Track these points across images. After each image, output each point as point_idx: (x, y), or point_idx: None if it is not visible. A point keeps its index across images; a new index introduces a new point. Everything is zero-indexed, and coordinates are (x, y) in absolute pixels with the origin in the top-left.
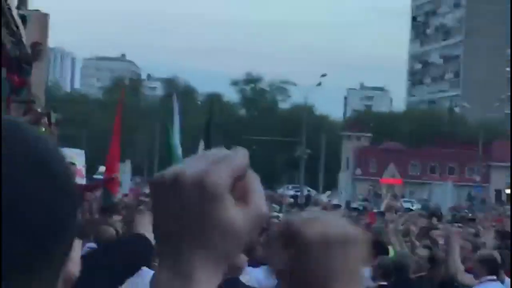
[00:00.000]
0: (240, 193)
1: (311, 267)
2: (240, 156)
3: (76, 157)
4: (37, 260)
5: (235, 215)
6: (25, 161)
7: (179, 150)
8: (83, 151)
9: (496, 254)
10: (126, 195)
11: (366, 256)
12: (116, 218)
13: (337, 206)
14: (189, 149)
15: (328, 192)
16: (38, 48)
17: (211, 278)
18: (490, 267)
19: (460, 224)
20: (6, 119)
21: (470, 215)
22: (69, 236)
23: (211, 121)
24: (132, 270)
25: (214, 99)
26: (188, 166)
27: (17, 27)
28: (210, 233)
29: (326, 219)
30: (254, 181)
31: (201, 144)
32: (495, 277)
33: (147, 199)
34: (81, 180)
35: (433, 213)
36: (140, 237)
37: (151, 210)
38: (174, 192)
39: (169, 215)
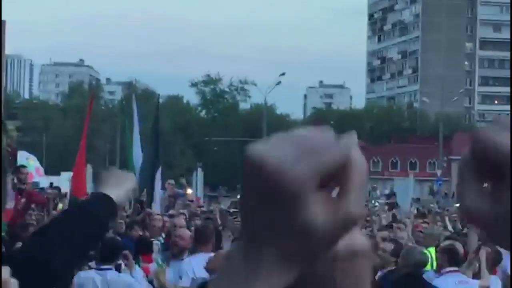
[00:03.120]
0: (335, 185)
1: (316, 277)
2: (338, 148)
3: (31, 160)
4: None
5: (319, 215)
6: None
7: (138, 155)
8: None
9: (458, 246)
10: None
11: (371, 271)
12: None
13: None
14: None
15: None
16: None
17: (280, 273)
18: (451, 258)
19: (426, 219)
20: None
21: (436, 208)
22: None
23: (157, 125)
24: (98, 233)
25: (156, 101)
26: (271, 150)
27: None
28: (289, 230)
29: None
30: (355, 175)
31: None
32: (456, 268)
33: None
34: (42, 179)
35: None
36: (102, 197)
37: (243, 185)
38: (258, 174)
39: (254, 196)
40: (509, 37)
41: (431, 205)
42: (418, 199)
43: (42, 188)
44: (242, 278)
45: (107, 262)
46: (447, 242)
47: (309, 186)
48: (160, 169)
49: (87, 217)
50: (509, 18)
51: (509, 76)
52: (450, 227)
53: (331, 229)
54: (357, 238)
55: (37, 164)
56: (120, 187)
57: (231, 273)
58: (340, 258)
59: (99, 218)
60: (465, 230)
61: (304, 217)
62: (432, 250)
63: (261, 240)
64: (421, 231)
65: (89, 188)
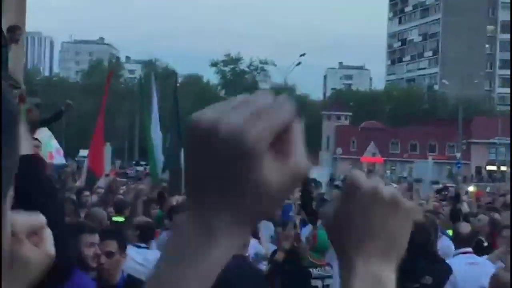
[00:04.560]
0: (280, 145)
1: (355, 219)
2: (285, 108)
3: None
4: None
5: (272, 174)
6: None
7: (156, 133)
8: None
9: (467, 226)
10: (107, 175)
11: (410, 230)
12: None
13: (318, 184)
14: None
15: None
16: (16, 32)
17: (237, 233)
18: (462, 240)
19: (444, 202)
20: None
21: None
22: (12, 146)
23: (176, 105)
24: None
25: (187, 81)
26: (225, 115)
27: None
28: (242, 192)
29: (383, 182)
30: (297, 134)
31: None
32: (468, 249)
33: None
34: (61, 159)
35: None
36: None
37: (186, 155)
38: (207, 141)
39: (202, 164)
40: None
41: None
42: (437, 182)
43: (62, 166)
44: (196, 247)
45: (143, 241)
46: (462, 223)
47: (263, 146)
48: (183, 149)
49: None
50: None
51: None
52: (466, 208)
53: (283, 186)
54: (403, 198)
55: (57, 145)
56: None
57: (184, 244)
58: (384, 205)
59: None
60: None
61: (258, 177)
62: (450, 232)
63: (212, 206)
64: (440, 213)
65: (108, 166)
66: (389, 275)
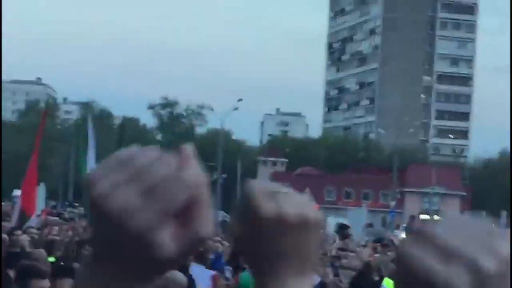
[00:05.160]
0: (184, 211)
1: (263, 243)
2: (182, 186)
3: None
4: None
5: (167, 247)
6: None
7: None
8: None
9: None
10: (39, 215)
11: (320, 241)
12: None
13: None
14: None
15: None
16: None
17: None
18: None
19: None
20: None
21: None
22: None
23: (121, 145)
24: None
25: (125, 123)
26: (114, 191)
27: None
28: (136, 263)
29: (287, 196)
30: (201, 199)
31: None
32: None
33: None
34: None
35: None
36: None
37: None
38: (98, 212)
39: (95, 226)
40: (466, 72)
41: (384, 234)
42: (370, 224)
43: None
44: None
45: None
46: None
47: (156, 230)
48: None
49: None
50: (465, 54)
51: (464, 111)
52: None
53: (178, 251)
54: (310, 210)
55: None
56: None
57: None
58: (291, 227)
59: None
60: None
61: (150, 251)
62: (387, 281)
63: (103, 258)
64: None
65: (40, 206)
66: None
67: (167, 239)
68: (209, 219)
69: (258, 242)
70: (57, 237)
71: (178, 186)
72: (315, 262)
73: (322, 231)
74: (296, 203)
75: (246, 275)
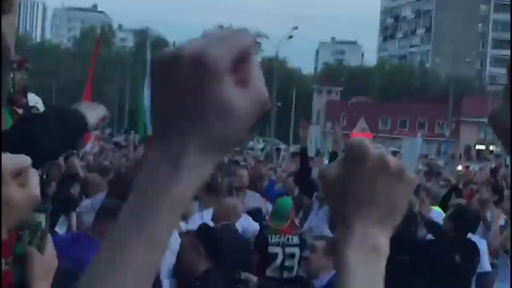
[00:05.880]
0: (240, 75)
1: (358, 185)
2: (246, 36)
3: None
4: None
5: (235, 95)
6: None
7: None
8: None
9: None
10: (93, 141)
11: (410, 200)
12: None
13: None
14: None
15: (298, 146)
16: (3, 3)
17: (203, 165)
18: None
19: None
20: None
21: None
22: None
23: None
24: (70, 137)
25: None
26: (189, 43)
27: None
28: (206, 114)
29: (386, 151)
30: (255, 65)
31: None
32: None
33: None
34: None
35: None
36: (76, 111)
37: (152, 89)
38: (172, 70)
39: (167, 94)
40: None
41: (438, 163)
42: (425, 156)
43: None
44: (161, 181)
45: None
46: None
47: (224, 65)
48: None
49: (62, 119)
50: None
51: None
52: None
53: (245, 110)
54: (408, 170)
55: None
56: (92, 111)
57: (149, 180)
58: (389, 175)
59: (72, 125)
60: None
61: (221, 98)
62: (436, 208)
63: (176, 139)
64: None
65: (94, 133)
66: (385, 243)
67: (232, 85)
68: (264, 85)
69: (353, 184)
70: (110, 163)
71: (242, 33)
72: (399, 218)
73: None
74: (396, 158)
75: (284, 200)
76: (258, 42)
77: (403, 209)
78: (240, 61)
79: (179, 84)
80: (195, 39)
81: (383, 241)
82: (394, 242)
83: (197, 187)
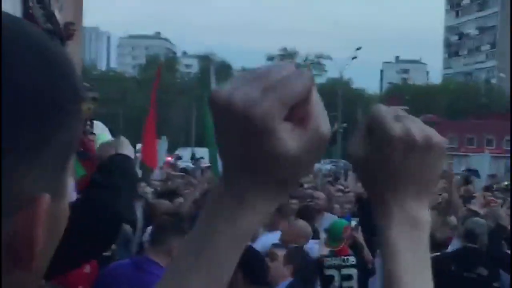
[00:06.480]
0: (299, 115)
1: (386, 163)
2: (300, 80)
3: (106, 133)
4: (34, 142)
5: (292, 140)
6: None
7: None
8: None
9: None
10: (161, 168)
11: (441, 169)
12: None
13: None
14: None
15: None
16: (71, 28)
17: (265, 203)
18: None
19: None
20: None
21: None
22: (71, 122)
23: None
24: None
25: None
26: (237, 89)
27: (49, 1)
28: (264, 162)
29: (412, 119)
30: (316, 102)
31: None
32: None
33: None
34: None
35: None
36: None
37: (214, 130)
38: (226, 117)
39: (226, 136)
40: None
41: (505, 183)
42: (494, 175)
43: None
44: (227, 214)
45: None
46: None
47: (276, 118)
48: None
49: (125, 170)
50: None
51: None
52: None
53: (306, 151)
54: (435, 135)
55: (111, 137)
56: (128, 150)
57: (215, 213)
58: (417, 148)
59: (132, 172)
60: None
61: (275, 147)
62: None
63: (242, 174)
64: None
65: (162, 159)
66: (426, 215)
67: (287, 131)
68: (326, 118)
69: (381, 163)
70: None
71: (297, 78)
72: (435, 189)
73: (443, 158)
74: (421, 127)
75: (337, 221)
76: (321, 64)
77: (437, 177)
78: (298, 105)
79: (234, 132)
80: (242, 83)
81: (423, 214)
82: (484, 255)
83: (260, 223)
